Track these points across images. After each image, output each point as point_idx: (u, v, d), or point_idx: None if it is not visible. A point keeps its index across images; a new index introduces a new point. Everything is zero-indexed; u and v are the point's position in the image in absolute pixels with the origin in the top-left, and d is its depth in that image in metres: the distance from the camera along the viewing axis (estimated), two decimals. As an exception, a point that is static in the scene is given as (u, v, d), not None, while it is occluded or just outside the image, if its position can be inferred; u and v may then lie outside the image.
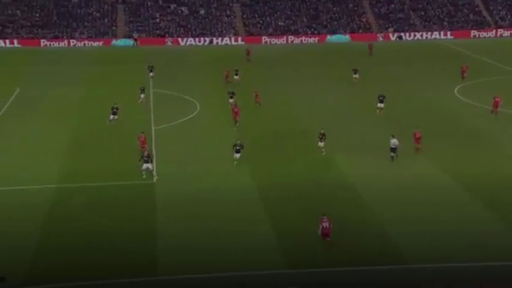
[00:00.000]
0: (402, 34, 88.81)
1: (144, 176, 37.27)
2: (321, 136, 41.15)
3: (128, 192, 35.83)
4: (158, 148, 42.80)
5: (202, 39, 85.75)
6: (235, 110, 47.44)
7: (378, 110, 49.61)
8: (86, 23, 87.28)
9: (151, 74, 61.52)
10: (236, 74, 61.16)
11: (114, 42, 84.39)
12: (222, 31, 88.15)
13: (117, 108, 47.03)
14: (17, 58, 75.54)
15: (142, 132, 42.05)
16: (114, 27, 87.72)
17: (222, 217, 32.53)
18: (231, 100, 51.19)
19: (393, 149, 39.86)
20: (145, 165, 37.34)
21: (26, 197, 35.12)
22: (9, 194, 35.53)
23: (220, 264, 28.07)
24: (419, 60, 73.71)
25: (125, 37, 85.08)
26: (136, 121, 48.54)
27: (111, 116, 46.73)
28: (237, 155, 38.92)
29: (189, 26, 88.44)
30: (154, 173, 37.82)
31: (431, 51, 79.88)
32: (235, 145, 39.26)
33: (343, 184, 36.72)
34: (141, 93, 53.42)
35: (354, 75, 61.11)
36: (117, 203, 34.49)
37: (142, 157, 37.55)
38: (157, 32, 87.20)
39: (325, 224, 29.15)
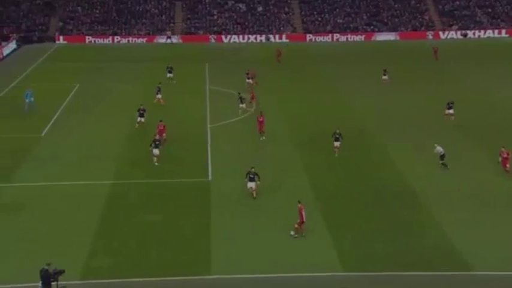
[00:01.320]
0: (467, 32, 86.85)
1: (156, 163, 38.83)
2: (337, 136, 40.84)
3: (183, 190, 36.29)
4: (213, 146, 43.22)
5: (248, 36, 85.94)
6: (260, 120, 44.59)
7: (446, 116, 47.96)
8: (144, 20, 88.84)
9: (169, 75, 59.82)
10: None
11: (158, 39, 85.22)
12: (280, 28, 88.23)
13: (144, 110, 46.25)
14: (77, 54, 77.45)
15: (161, 121, 43.28)
16: (171, 24, 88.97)
17: (279, 216, 32.62)
18: (241, 105, 49.66)
19: (442, 157, 38.95)
20: (155, 150, 38.80)
21: (83, 192, 35.98)
22: (68, 189, 36.48)
23: (274, 264, 28.13)
24: (487, 59, 71.90)
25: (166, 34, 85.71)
26: (191, 119, 49.15)
27: (138, 119, 46.01)
28: (252, 184, 34.57)
29: (246, 23, 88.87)
30: (155, 160, 39.06)
31: (500, 50, 77.80)
32: (248, 173, 34.76)
33: (402, 186, 36.35)
34: (157, 93, 52.53)
35: (384, 77, 59.42)
36: (172, 200, 34.97)
37: (153, 141, 39.07)
38: (215, 28, 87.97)
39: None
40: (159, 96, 52.25)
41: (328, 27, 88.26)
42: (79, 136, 45.88)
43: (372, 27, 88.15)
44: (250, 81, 58.42)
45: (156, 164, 39.08)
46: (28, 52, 78.73)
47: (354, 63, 71.26)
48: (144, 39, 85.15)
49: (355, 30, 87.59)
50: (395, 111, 51.75)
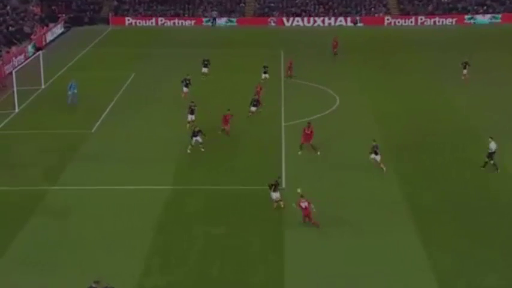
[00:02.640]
0: None
1: (189, 151, 41.84)
2: (375, 150, 39.75)
3: (251, 198, 36.65)
4: (288, 148, 43.43)
5: (330, 20, 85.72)
6: (308, 132, 43.10)
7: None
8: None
9: (204, 69, 59.40)
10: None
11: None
12: (370, 9, 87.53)
13: (195, 106, 47.00)
14: (133, 39, 79.07)
15: (228, 110, 45.21)
16: (242, 4, 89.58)
17: (362, 232, 32.65)
18: (252, 108, 48.93)
19: (490, 154, 38.66)
20: (194, 139, 41.79)
21: (137, 198, 36.85)
22: (120, 194, 37.45)
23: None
24: None
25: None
26: (263, 115, 49.37)
27: (189, 117, 46.69)
28: (276, 195, 34.94)
29: (330, 3, 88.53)
30: (191, 145, 42.00)
31: None
32: (272, 185, 35.12)
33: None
34: (184, 86, 52.63)
35: (464, 71, 57.62)
36: (238, 210, 35.39)
37: (193, 132, 42.21)
38: (292, 9, 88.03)
39: (304, 204, 32.68)
40: (186, 90, 52.31)
41: (430, 8, 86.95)
42: (133, 133, 46.87)
43: (485, 7, 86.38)
44: (264, 76, 57.85)
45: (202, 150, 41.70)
46: (78, 36, 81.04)
47: (451, 50, 69.82)
48: (210, 22, 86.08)
49: (462, 12, 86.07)
50: (509, 107, 50.73)
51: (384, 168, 39.54)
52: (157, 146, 44.19)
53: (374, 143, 40.17)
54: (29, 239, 32.49)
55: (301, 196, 33.29)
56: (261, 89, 51.83)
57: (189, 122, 46.60)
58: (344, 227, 33.44)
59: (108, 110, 51.93)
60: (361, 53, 70.41)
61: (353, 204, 35.69)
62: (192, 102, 47.72)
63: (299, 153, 42.19)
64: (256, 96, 49.50)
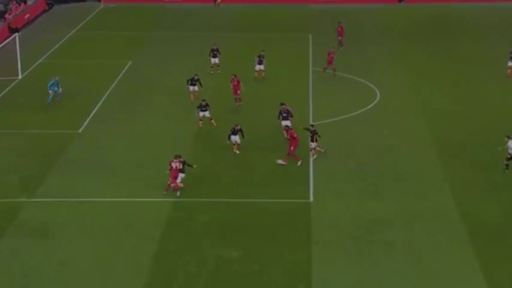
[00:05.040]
0: None
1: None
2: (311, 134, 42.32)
3: (272, 214, 36.71)
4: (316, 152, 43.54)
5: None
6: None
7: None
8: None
9: (214, 60, 59.04)
10: None
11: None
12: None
13: (207, 105, 47.28)
14: (130, 19, 79.17)
15: (235, 76, 50.39)
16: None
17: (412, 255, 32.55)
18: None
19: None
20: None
21: (134, 213, 36.98)
22: (113, 207, 37.59)
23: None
24: None
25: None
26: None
27: (201, 114, 47.08)
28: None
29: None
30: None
31: None
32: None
33: None
34: (190, 84, 52.11)
35: (510, 63, 57.19)
36: (257, 229, 35.41)
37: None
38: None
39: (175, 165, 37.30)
40: (194, 89, 51.91)
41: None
42: (129, 134, 47.03)
43: None
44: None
45: (237, 152, 43.00)
46: (62, 15, 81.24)
47: None
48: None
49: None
50: None
51: (315, 156, 41.69)
52: (158, 150, 44.16)
53: (312, 128, 42.35)
54: (1, 264, 32.48)
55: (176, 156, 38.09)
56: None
57: (201, 119, 47.11)
58: (388, 249, 33.36)
59: (98, 106, 52.15)
60: (407, 37, 70.33)
61: (398, 222, 35.69)
62: (204, 99, 47.90)
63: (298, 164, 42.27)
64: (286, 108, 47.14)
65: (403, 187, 39.41)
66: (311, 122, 47.14)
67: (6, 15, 73.84)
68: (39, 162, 42.84)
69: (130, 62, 62.14)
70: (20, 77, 57.99)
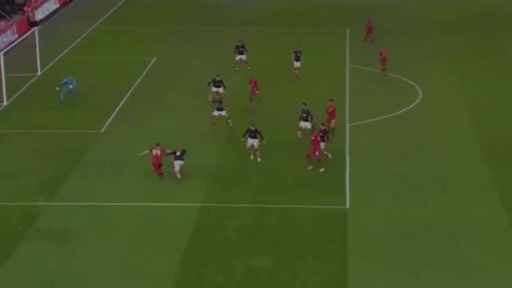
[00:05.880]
0: None
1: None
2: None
3: (305, 221, 36.81)
4: (354, 155, 43.60)
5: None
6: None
7: None
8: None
9: (240, 57, 59.10)
10: None
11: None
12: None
13: (220, 102, 47.80)
14: (156, 12, 79.15)
15: (252, 76, 50.39)
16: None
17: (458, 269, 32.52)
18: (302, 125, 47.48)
19: None
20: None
21: (158, 218, 37.25)
22: (135, 212, 37.89)
23: None
24: None
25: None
26: (322, 113, 49.44)
27: (216, 113, 47.46)
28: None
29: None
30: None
31: None
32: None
33: None
34: (212, 85, 51.75)
35: None
36: (289, 236, 35.51)
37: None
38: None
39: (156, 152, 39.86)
40: (219, 90, 51.58)
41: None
42: (154, 134, 47.09)
43: None
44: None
45: (258, 160, 42.81)
46: (84, 8, 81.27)
47: None
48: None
49: None
50: None
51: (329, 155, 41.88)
52: (185, 147, 44.27)
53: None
54: (18, 271, 32.85)
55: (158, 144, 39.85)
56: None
57: (214, 117, 47.46)
58: (429, 259, 33.28)
59: (121, 104, 52.57)
60: (453, 33, 69.97)
61: (441, 230, 35.67)
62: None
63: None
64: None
65: (447, 193, 39.39)
66: (348, 123, 47.26)
67: (25, 8, 74.44)
68: (59, 163, 43.27)
69: (155, 58, 62.41)
70: (39, 73, 58.49)
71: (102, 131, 48.08)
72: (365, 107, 51.26)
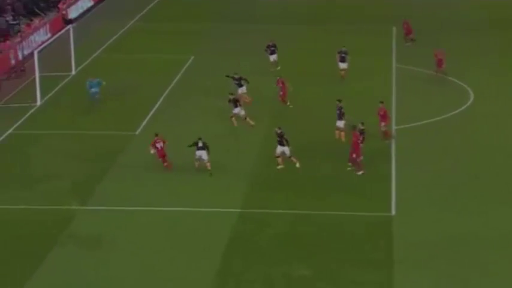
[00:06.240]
0: None
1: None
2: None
3: (348, 228, 36.56)
4: (400, 161, 43.24)
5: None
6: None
7: None
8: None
9: (273, 57, 58.93)
10: None
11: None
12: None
13: (236, 100, 47.65)
14: (194, 9, 79.52)
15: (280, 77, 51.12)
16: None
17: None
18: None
19: None
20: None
21: (194, 224, 37.15)
22: (170, 218, 37.82)
23: None
24: None
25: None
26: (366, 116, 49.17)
27: (236, 110, 47.45)
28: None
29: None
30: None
31: None
32: None
33: None
34: (238, 84, 51.69)
35: None
36: (331, 244, 35.24)
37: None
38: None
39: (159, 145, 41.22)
40: (243, 91, 51.38)
41: None
42: (190, 135, 46.98)
43: None
44: None
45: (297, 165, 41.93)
46: (120, 5, 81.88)
47: None
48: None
49: None
50: None
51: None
52: (223, 154, 44.27)
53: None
54: (51, 277, 32.86)
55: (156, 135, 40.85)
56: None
57: (232, 116, 47.62)
58: (481, 269, 32.98)
59: (158, 105, 52.68)
60: (507, 32, 69.16)
61: (493, 238, 35.24)
62: (231, 94, 48.28)
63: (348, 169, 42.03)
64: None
65: (501, 201, 38.85)
66: (394, 126, 46.93)
67: (60, 5, 74.82)
68: (93, 166, 43.38)
69: (192, 57, 62.62)
70: (73, 72, 58.79)
71: (137, 132, 48.16)
72: (412, 109, 50.96)
